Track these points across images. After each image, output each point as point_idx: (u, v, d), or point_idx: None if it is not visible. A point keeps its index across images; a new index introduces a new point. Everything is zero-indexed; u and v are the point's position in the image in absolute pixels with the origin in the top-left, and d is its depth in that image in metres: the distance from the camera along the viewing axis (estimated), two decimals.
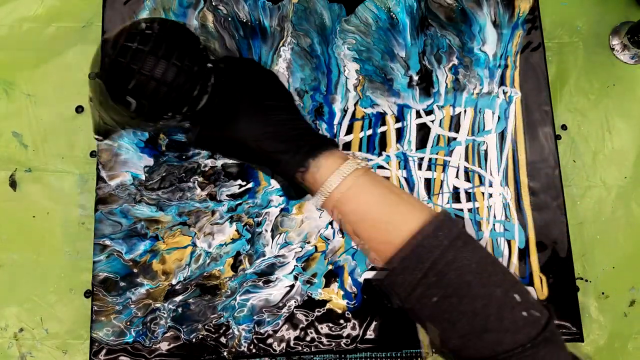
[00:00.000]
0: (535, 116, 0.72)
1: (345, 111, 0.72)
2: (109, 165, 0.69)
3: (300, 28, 0.73)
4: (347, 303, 0.67)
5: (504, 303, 0.45)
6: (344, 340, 0.65)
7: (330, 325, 0.66)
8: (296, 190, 0.61)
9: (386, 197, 0.51)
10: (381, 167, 0.70)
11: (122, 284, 0.66)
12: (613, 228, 0.73)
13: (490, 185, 0.70)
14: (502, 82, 0.73)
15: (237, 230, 0.68)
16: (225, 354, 0.65)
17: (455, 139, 0.71)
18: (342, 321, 0.66)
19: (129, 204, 0.68)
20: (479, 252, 0.48)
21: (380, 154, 0.71)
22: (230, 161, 0.69)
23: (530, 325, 0.45)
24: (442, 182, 0.70)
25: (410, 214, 0.50)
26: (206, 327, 0.65)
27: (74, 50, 0.76)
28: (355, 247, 0.68)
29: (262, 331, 0.65)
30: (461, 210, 0.69)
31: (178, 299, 0.66)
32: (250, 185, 0.69)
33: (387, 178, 0.70)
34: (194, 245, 0.67)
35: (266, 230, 0.68)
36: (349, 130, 0.71)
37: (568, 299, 0.67)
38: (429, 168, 0.70)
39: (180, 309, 0.65)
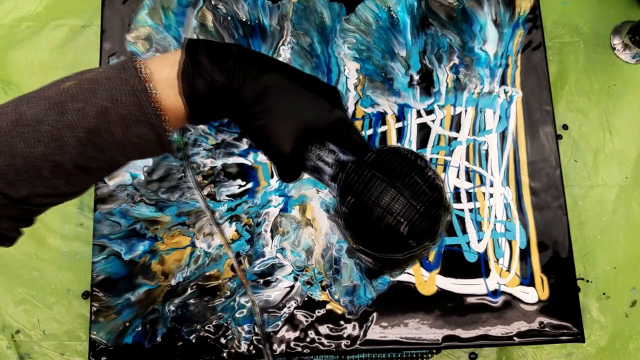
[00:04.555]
0: (536, 116, 0.72)
1: (345, 111, 0.71)
2: None
3: (300, 27, 0.73)
4: None
5: None
6: (344, 341, 0.65)
7: (331, 326, 0.66)
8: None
9: None
10: None
11: (121, 284, 0.65)
12: (614, 228, 0.73)
13: (491, 185, 0.70)
14: (503, 82, 0.72)
15: (236, 231, 0.67)
16: (225, 354, 0.64)
17: (456, 138, 0.71)
18: (342, 322, 0.66)
19: (128, 204, 0.67)
20: None
21: None
22: (230, 161, 0.69)
23: None
24: None
25: None
26: (206, 327, 0.65)
27: (73, 49, 0.75)
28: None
29: None
30: (462, 210, 0.69)
31: (178, 299, 0.65)
32: (249, 185, 0.69)
33: None
34: (193, 245, 0.67)
35: (265, 231, 0.68)
36: None
37: (569, 300, 0.67)
38: None
39: (179, 310, 0.65)
